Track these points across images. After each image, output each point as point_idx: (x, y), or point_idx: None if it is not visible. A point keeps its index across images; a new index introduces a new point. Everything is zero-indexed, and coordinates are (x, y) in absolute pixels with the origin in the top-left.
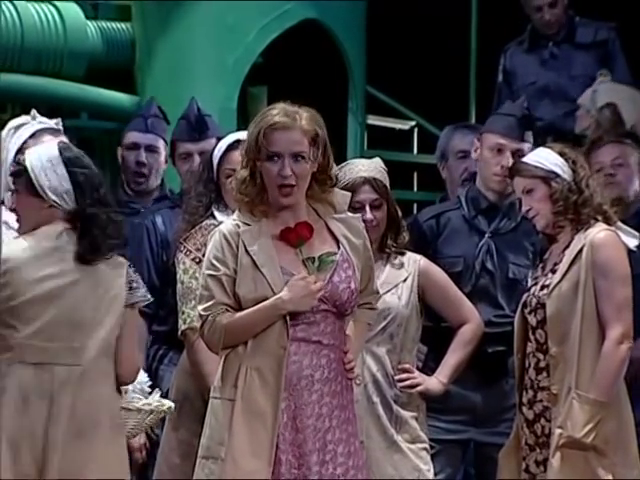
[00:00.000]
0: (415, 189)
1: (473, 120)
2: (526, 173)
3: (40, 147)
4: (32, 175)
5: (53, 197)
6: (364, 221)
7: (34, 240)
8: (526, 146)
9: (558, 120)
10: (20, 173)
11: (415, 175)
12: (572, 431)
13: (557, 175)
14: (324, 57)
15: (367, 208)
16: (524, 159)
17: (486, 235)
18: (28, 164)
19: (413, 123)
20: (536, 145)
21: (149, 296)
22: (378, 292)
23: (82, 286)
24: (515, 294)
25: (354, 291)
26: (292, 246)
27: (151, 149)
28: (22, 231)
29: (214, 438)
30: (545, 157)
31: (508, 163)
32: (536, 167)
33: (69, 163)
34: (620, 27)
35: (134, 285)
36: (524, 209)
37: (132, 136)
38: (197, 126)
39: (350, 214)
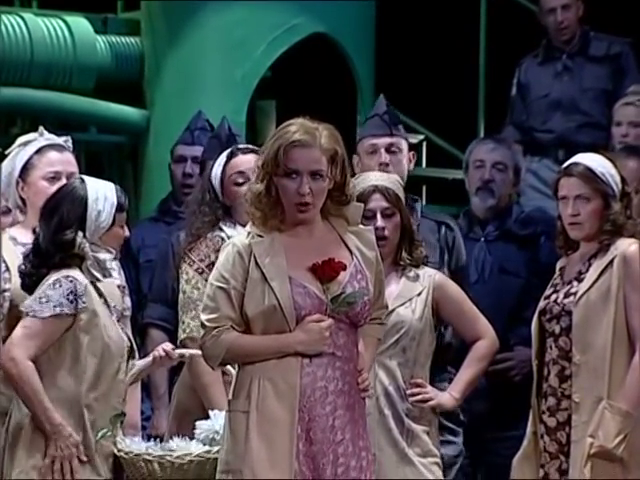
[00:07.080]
0: (424, 202)
1: (482, 134)
2: (588, 181)
3: None
4: None
5: None
6: (375, 229)
7: None
8: (398, 139)
9: (570, 133)
10: None
11: (424, 188)
12: (604, 441)
13: (615, 196)
14: (333, 71)
15: (378, 216)
16: (590, 165)
17: None
18: None
19: (422, 137)
20: (546, 157)
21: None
22: (387, 307)
23: None
24: None
25: (367, 302)
26: (320, 282)
27: (198, 161)
28: None
29: (232, 451)
30: (610, 173)
31: (384, 159)
32: (602, 181)
33: None
34: (635, 42)
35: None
36: (571, 211)
37: (179, 149)
38: (228, 146)
39: (363, 227)
